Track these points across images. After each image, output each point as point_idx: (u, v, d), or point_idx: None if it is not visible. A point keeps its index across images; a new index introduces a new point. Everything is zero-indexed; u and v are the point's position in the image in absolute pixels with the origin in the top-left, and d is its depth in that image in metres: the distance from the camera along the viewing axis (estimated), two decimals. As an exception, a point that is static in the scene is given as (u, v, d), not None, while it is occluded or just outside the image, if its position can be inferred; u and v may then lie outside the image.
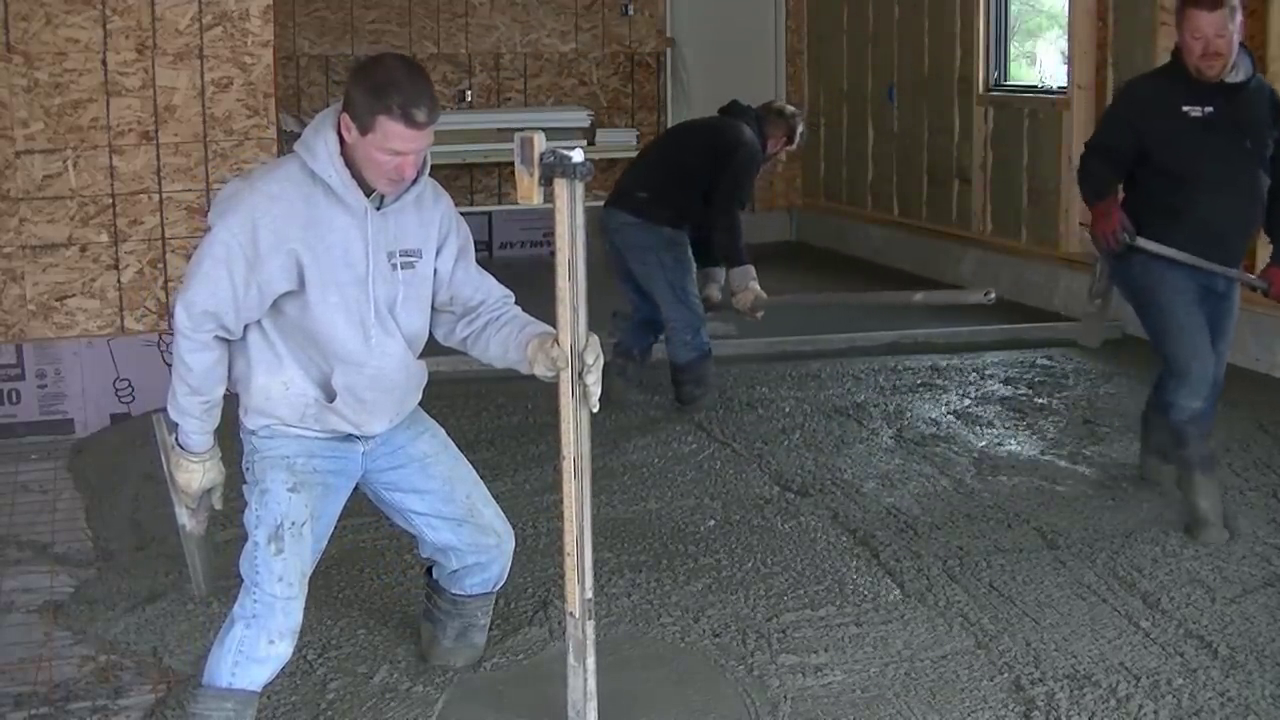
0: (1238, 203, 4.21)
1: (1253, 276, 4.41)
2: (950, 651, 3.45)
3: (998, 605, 3.72)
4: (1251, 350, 6.05)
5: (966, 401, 5.75)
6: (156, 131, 5.34)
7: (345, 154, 2.89)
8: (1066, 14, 7.50)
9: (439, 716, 3.16)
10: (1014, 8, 8.54)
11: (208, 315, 2.90)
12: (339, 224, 2.92)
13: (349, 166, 2.90)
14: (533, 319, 3.08)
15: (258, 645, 2.90)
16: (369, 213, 2.94)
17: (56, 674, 3.37)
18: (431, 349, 3.18)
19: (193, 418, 2.99)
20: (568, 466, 2.81)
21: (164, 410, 3.07)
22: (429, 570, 3.39)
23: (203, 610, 3.62)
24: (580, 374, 2.78)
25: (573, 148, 2.68)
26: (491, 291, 3.16)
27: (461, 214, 3.20)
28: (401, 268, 3.00)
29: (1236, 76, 4.12)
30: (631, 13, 9.74)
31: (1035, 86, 8.47)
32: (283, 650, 2.93)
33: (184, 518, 3.16)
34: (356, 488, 3.18)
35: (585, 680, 2.90)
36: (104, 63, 5.25)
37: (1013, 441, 5.22)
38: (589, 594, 2.87)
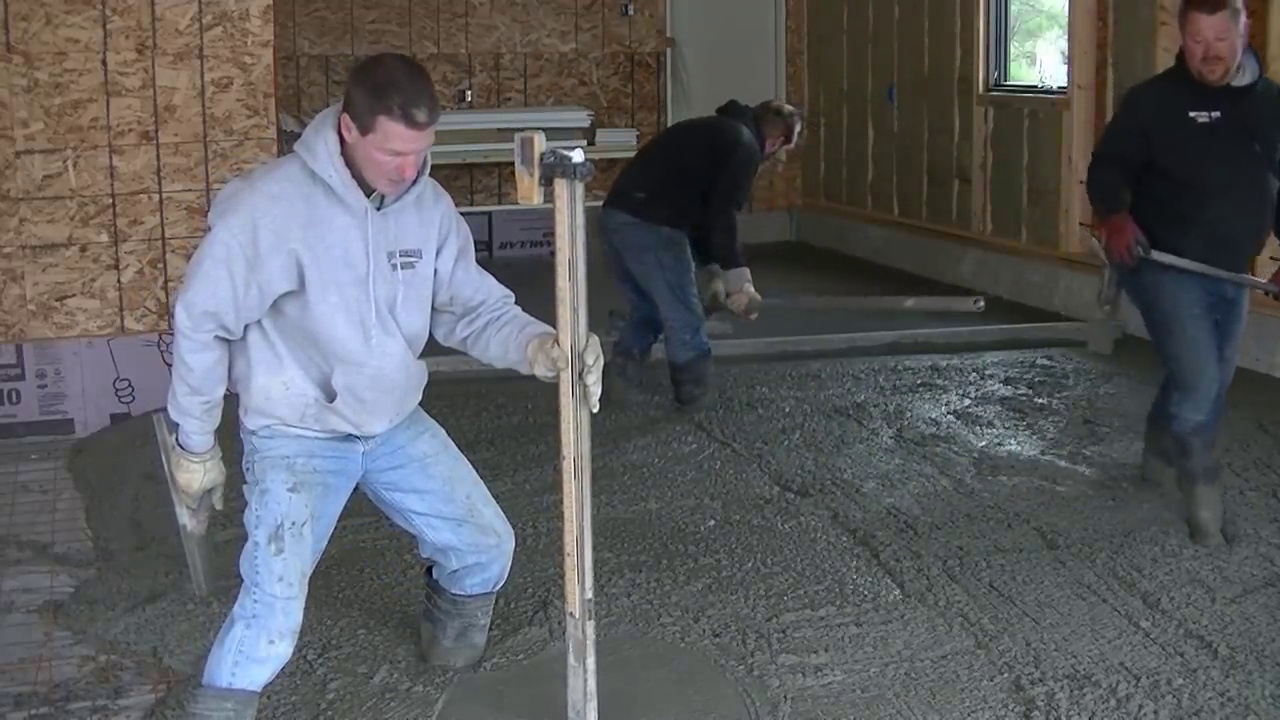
0: (1247, 208, 4.14)
1: (1264, 281, 4.37)
2: (950, 651, 3.45)
3: (998, 605, 3.72)
4: (1252, 350, 6.05)
5: (966, 401, 5.75)
6: (156, 131, 5.34)
7: (345, 154, 2.89)
8: (1066, 14, 7.50)
9: (439, 716, 3.16)
10: (1014, 8, 8.54)
11: (208, 315, 2.90)
12: (339, 224, 2.92)
13: (349, 166, 2.90)
14: (533, 319, 3.08)
15: (258, 645, 2.90)
16: (369, 213, 2.94)
17: (56, 674, 3.37)
18: (431, 349, 3.18)
19: (193, 418, 2.99)
20: (568, 466, 2.81)
21: (164, 410, 3.07)
22: (429, 570, 3.39)
23: (203, 610, 3.62)
24: (580, 374, 2.78)
25: (573, 148, 2.68)
26: (491, 292, 3.16)
27: (461, 214, 3.20)
28: (402, 268, 3.00)
29: (1243, 79, 4.05)
30: (631, 13, 9.74)
31: (1035, 86, 8.47)
32: (283, 650, 2.93)
33: (184, 518, 3.16)
34: (356, 488, 3.18)
35: (585, 680, 2.90)
36: (104, 63, 5.25)
37: (1013, 441, 5.22)
38: (589, 594, 2.87)
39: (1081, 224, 7.34)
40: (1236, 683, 3.27)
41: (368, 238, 2.94)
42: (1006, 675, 3.32)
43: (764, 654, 3.43)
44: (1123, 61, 7.00)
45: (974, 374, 6.20)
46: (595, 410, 2.83)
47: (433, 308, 3.12)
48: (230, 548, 3.53)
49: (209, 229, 2.94)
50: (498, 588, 3.37)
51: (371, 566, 3.99)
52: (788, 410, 5.62)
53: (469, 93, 9.50)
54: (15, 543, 4.23)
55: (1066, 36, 7.57)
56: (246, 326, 2.96)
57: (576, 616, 2.87)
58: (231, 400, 3.05)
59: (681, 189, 5.52)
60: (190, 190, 5.40)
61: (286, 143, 5.13)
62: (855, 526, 4.32)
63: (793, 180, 10.03)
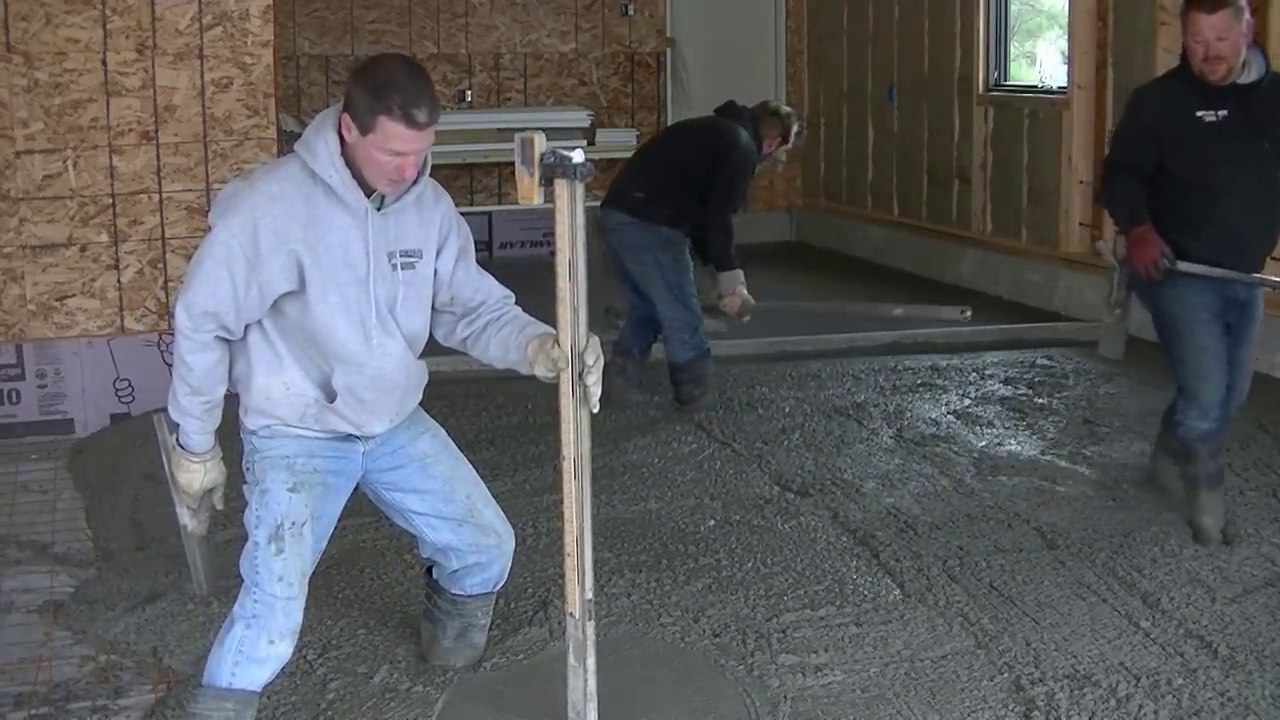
0: (1258, 207, 4.09)
1: (1277, 280, 4.29)
2: (950, 651, 3.45)
3: (998, 605, 3.72)
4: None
5: (966, 401, 5.75)
6: (156, 131, 5.34)
7: (346, 154, 2.89)
8: (1066, 14, 7.50)
9: (439, 716, 3.16)
10: (1014, 8, 8.53)
11: (208, 315, 2.90)
12: (339, 224, 2.92)
13: (349, 166, 2.90)
14: (533, 319, 3.08)
15: (258, 645, 2.90)
16: (369, 213, 2.94)
17: (56, 674, 3.37)
18: (431, 349, 3.18)
19: (194, 418, 2.99)
20: (568, 466, 2.81)
21: (164, 410, 3.07)
22: (429, 570, 3.39)
23: (203, 610, 3.62)
24: (580, 374, 2.78)
25: (573, 148, 2.68)
26: (492, 292, 3.16)
27: (461, 214, 3.20)
28: (402, 268, 3.00)
29: (1249, 76, 3.99)
30: (631, 13, 9.74)
31: (1035, 86, 8.47)
32: (283, 650, 2.93)
33: (185, 518, 3.16)
34: (356, 488, 3.18)
35: (585, 680, 2.90)
36: (104, 63, 5.25)
37: (1013, 441, 5.22)
38: (589, 594, 2.87)
39: (1082, 224, 7.34)
40: (1236, 683, 3.27)
41: (368, 238, 2.94)
42: (1006, 675, 3.32)
43: (764, 654, 3.44)
44: (1123, 61, 7.00)
45: (974, 374, 6.20)
46: (595, 410, 2.83)
47: (433, 308, 3.12)
48: (230, 548, 3.54)
49: (209, 229, 2.94)
50: (498, 588, 3.37)
51: (371, 566, 3.99)
52: (788, 410, 5.62)
53: (469, 93, 9.50)
54: (15, 543, 4.23)
55: (1066, 36, 7.57)
56: (247, 327, 2.96)
57: (576, 616, 2.87)
58: (231, 400, 3.05)
59: (680, 189, 5.52)
60: (190, 190, 5.40)
61: (286, 143, 5.13)
62: (855, 526, 4.32)
63: (793, 180, 10.03)
